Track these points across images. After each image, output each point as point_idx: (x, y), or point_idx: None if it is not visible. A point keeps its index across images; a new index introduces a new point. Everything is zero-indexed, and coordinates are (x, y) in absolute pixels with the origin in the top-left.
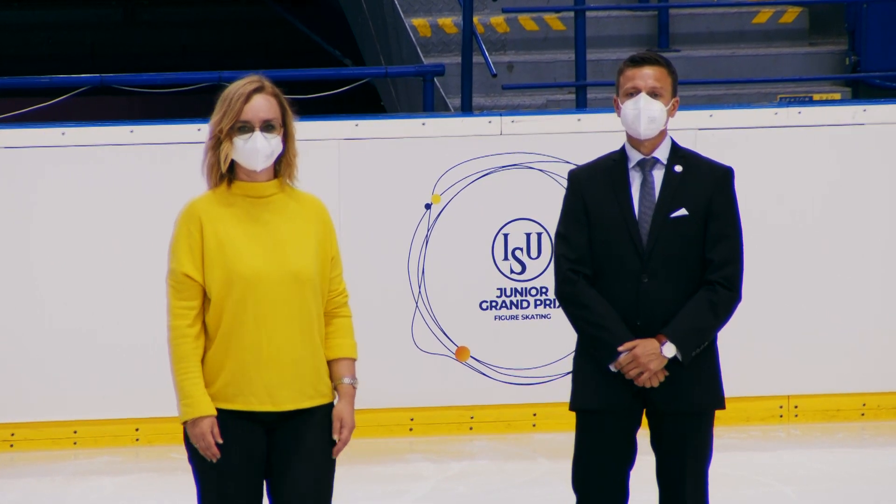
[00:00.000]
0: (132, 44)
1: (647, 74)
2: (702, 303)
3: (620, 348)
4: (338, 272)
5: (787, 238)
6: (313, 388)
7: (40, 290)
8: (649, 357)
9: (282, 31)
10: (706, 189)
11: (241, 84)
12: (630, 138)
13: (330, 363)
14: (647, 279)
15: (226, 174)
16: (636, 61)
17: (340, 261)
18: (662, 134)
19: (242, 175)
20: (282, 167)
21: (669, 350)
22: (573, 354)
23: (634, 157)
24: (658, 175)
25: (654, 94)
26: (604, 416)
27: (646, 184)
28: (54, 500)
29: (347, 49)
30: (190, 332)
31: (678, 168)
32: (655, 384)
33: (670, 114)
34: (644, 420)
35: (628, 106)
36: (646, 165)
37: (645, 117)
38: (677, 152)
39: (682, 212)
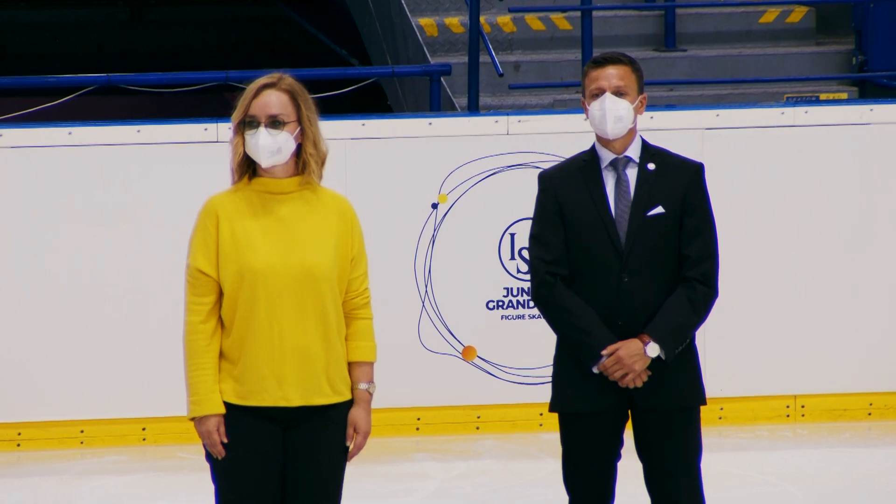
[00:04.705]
0: (139, 43)
1: (611, 74)
2: (682, 300)
3: (604, 352)
4: (360, 272)
5: (794, 238)
6: (329, 385)
7: (47, 290)
8: (633, 358)
9: (288, 31)
10: (680, 185)
11: (259, 80)
12: (599, 139)
13: (348, 366)
14: (627, 278)
15: (247, 170)
16: (599, 62)
17: (365, 261)
18: (632, 132)
19: (262, 171)
20: (300, 165)
21: (653, 350)
22: (554, 355)
23: (606, 156)
24: (632, 174)
25: (618, 93)
26: (591, 419)
27: (620, 183)
28: (61, 499)
29: (354, 49)
30: (203, 329)
31: (651, 166)
32: (640, 384)
33: (638, 111)
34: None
35: (594, 107)
36: (619, 164)
37: (611, 117)
38: (648, 150)
39: (659, 209)
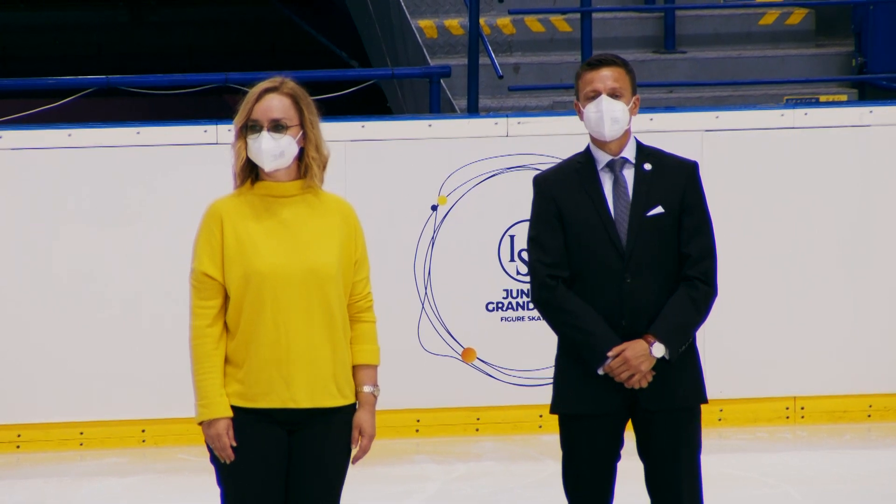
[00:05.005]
0: (139, 45)
1: (606, 76)
2: (684, 300)
3: (610, 353)
4: (363, 276)
5: (794, 239)
6: (335, 386)
7: (47, 291)
8: (640, 359)
9: (288, 33)
10: (677, 184)
11: (261, 84)
12: (595, 140)
13: (353, 369)
14: (629, 279)
15: (250, 174)
16: (593, 64)
17: (367, 265)
18: (627, 133)
19: (264, 175)
20: (302, 168)
21: (659, 350)
22: (555, 357)
23: (602, 158)
24: (629, 174)
25: (614, 94)
26: (592, 421)
27: (618, 184)
28: (61, 501)
29: (354, 50)
30: (210, 332)
31: (647, 166)
32: (645, 385)
33: (632, 112)
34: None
35: (590, 109)
36: (615, 166)
37: (608, 118)
38: (643, 150)
39: (659, 209)
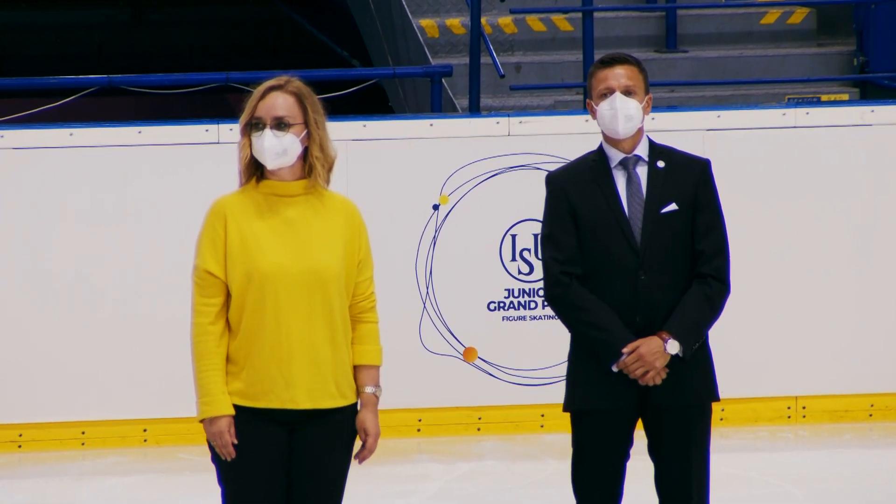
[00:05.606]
0: (140, 44)
1: (620, 74)
2: (698, 297)
3: (625, 349)
4: (366, 276)
5: (796, 238)
6: (335, 387)
7: (48, 290)
8: (654, 356)
9: (290, 32)
10: (690, 182)
11: (266, 82)
12: (608, 139)
13: (354, 369)
14: (644, 276)
15: (255, 172)
16: (607, 62)
17: (371, 265)
18: (640, 132)
19: (269, 173)
20: (306, 168)
21: (673, 347)
22: (568, 354)
23: (615, 156)
24: (642, 172)
25: (627, 92)
26: (605, 418)
27: (631, 182)
28: (62, 500)
29: (355, 49)
30: (211, 330)
31: (661, 164)
32: (659, 382)
33: (645, 111)
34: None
35: (604, 106)
36: (629, 164)
37: (622, 116)
38: (655, 148)
39: (672, 207)
